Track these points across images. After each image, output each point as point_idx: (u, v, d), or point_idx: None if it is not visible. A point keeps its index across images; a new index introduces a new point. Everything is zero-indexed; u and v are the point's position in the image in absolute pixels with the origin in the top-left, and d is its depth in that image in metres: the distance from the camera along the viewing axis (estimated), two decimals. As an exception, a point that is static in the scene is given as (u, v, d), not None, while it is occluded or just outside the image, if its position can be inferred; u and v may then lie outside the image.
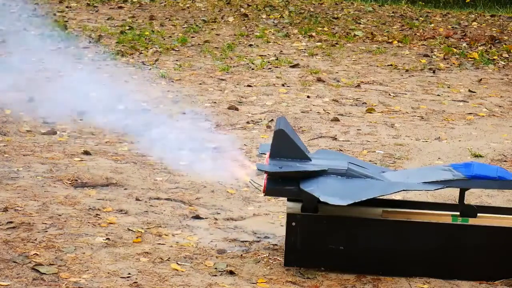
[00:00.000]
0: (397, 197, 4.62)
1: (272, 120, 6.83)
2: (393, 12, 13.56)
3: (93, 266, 3.89)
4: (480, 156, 6.15)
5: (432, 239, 3.95)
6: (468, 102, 8.06)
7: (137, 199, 4.85)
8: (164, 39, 10.39)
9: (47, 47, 8.07)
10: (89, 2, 12.53)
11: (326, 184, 3.94)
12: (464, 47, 10.91)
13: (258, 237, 4.41)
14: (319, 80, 8.64)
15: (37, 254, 3.95)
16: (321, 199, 3.83)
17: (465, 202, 4.21)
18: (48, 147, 5.83)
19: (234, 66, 9.11)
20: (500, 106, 7.94)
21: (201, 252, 4.14)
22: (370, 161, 5.82)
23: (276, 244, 4.31)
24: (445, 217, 4.16)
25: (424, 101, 7.99)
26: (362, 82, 8.68)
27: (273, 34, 11.28)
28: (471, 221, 4.12)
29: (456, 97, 8.26)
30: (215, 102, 7.43)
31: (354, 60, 9.88)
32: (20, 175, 5.16)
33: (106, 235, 4.27)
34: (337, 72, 9.14)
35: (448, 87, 8.67)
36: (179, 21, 11.83)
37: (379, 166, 5.05)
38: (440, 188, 4.09)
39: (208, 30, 11.31)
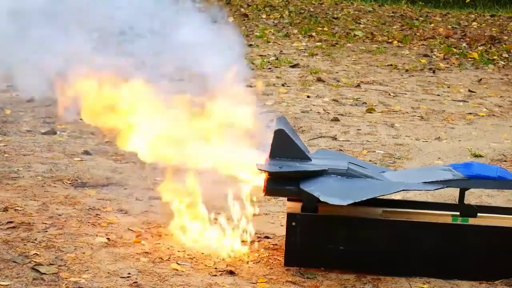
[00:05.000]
0: (397, 197, 4.62)
1: (272, 120, 6.83)
2: (393, 12, 13.56)
3: (93, 266, 3.89)
4: (480, 156, 6.15)
5: (432, 239, 3.95)
6: (468, 102, 8.06)
7: (137, 199, 4.85)
8: (164, 39, 10.37)
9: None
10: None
11: (326, 184, 3.93)
12: (464, 47, 10.92)
13: (258, 237, 4.41)
14: (319, 80, 8.64)
15: (37, 254, 3.95)
16: (321, 199, 3.83)
17: (465, 202, 4.21)
18: (48, 147, 5.83)
19: (234, 66, 9.09)
20: (500, 106, 7.94)
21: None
22: (370, 161, 5.82)
23: (276, 244, 4.31)
24: (445, 217, 4.16)
25: (424, 101, 7.99)
26: (362, 82, 8.68)
27: (273, 34, 11.28)
28: (471, 221, 4.12)
29: (456, 97, 8.26)
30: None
31: (354, 60, 9.88)
32: (20, 175, 5.15)
33: (106, 235, 4.27)
34: (337, 72, 9.14)
35: (448, 87, 8.67)
36: (179, 21, 11.81)
37: (379, 166, 5.05)
38: (440, 188, 4.09)
39: (208, 30, 11.30)
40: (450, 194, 5.07)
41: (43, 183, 5.03)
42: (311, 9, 13.41)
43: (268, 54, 9.92)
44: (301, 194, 3.96)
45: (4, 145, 5.81)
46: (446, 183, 4.05)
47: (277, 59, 9.64)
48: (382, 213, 4.18)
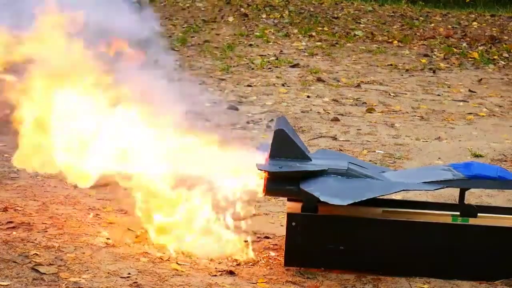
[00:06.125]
0: (397, 197, 4.62)
1: (272, 120, 6.83)
2: (393, 12, 13.56)
3: (93, 266, 3.89)
4: (480, 156, 6.15)
5: (432, 239, 3.95)
6: (468, 102, 8.06)
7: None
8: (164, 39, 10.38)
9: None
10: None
11: (326, 184, 3.93)
12: (464, 47, 10.92)
13: (258, 237, 4.40)
14: (319, 80, 8.64)
15: (37, 254, 3.95)
16: (321, 199, 3.83)
17: (465, 202, 4.21)
18: (48, 147, 5.82)
19: (234, 66, 9.11)
20: (500, 106, 7.94)
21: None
22: (370, 161, 5.82)
23: (276, 244, 4.31)
24: (445, 217, 4.16)
25: (424, 101, 7.99)
26: (362, 82, 8.68)
27: (273, 34, 11.28)
28: (471, 221, 4.12)
29: (456, 97, 8.26)
30: (215, 102, 7.43)
31: (354, 60, 9.88)
32: (20, 175, 5.15)
33: (106, 235, 4.27)
34: (337, 72, 9.14)
35: (448, 87, 8.67)
36: (179, 21, 11.83)
37: (379, 166, 5.05)
38: (440, 188, 4.09)
39: (208, 30, 11.31)
40: (450, 194, 5.07)
41: (43, 183, 5.03)
42: (311, 9, 13.41)
43: (268, 54, 9.92)
44: (301, 194, 3.96)
45: (4, 145, 5.81)
46: (446, 183, 4.05)
47: (277, 59, 9.64)
48: (382, 213, 4.18)
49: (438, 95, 8.29)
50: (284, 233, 4.03)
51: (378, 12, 13.52)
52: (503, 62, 10.12)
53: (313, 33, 11.35)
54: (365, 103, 7.76)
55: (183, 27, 11.35)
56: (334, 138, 6.53)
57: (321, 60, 9.80)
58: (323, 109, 7.43)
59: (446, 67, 9.73)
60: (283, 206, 4.70)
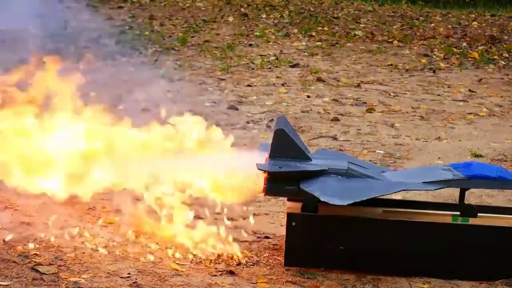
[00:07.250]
0: (397, 197, 4.62)
1: (272, 120, 6.83)
2: (393, 12, 13.56)
3: (93, 266, 3.89)
4: (480, 156, 6.15)
5: (432, 239, 3.95)
6: (468, 102, 8.06)
7: (137, 199, 4.84)
8: (164, 39, 10.39)
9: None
10: (88, 2, 12.53)
11: (326, 184, 3.93)
12: (464, 46, 10.91)
13: (258, 237, 4.40)
14: (319, 79, 8.64)
15: (37, 254, 3.95)
16: (321, 199, 3.83)
17: (465, 202, 4.21)
18: (48, 147, 5.82)
19: (234, 66, 9.11)
20: (500, 106, 7.94)
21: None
22: (370, 161, 5.82)
23: (276, 244, 4.31)
24: (445, 217, 4.16)
25: (424, 101, 7.99)
26: (362, 81, 8.68)
27: (273, 33, 11.28)
28: (471, 221, 4.11)
29: (456, 96, 8.26)
30: (215, 102, 7.43)
31: (354, 60, 9.88)
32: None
33: (106, 235, 4.27)
34: (337, 72, 9.14)
35: (448, 87, 8.67)
36: (179, 21, 11.83)
37: (379, 166, 5.05)
38: (440, 188, 4.09)
39: (208, 29, 11.31)
40: (450, 194, 5.07)
41: (43, 183, 5.03)
42: (311, 9, 13.41)
43: (268, 54, 9.92)
44: (301, 194, 3.96)
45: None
46: (446, 183, 4.05)
47: (277, 59, 9.64)
48: (382, 213, 4.18)
49: (438, 95, 8.29)
50: (284, 233, 4.03)
51: (378, 12, 13.52)
52: (503, 62, 10.12)
53: (313, 33, 11.35)
54: (365, 103, 7.76)
55: (183, 27, 11.35)
56: (334, 138, 6.53)
57: (321, 60, 9.80)
58: (323, 109, 7.43)
59: (446, 67, 9.73)
60: (283, 206, 4.70)
